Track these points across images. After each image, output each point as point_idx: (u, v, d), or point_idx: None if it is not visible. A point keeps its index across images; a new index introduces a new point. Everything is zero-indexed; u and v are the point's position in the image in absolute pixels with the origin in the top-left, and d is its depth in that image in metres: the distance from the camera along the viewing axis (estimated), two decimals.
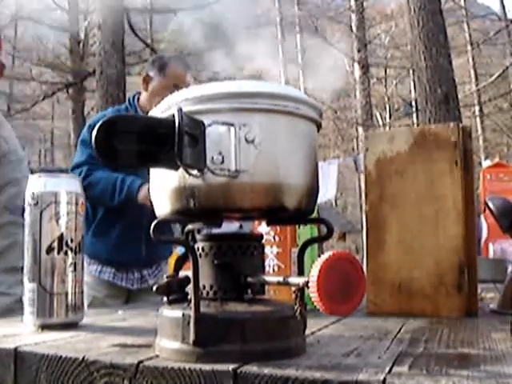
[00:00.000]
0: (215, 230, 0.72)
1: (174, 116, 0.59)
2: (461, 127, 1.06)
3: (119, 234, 1.94)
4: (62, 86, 11.58)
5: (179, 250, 2.40)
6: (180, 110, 0.59)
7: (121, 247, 1.95)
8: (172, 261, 2.12)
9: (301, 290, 0.61)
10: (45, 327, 0.89)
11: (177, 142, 0.58)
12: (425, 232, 1.04)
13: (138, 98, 2.07)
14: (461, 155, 1.04)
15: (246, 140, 0.63)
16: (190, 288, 0.65)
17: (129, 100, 2.10)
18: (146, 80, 2.02)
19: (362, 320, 0.99)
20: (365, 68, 14.43)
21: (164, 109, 0.68)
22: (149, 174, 0.73)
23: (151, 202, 0.73)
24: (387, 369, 0.58)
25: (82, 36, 12.10)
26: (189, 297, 0.67)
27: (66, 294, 0.92)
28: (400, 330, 0.85)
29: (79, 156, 1.93)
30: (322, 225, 0.76)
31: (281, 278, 0.64)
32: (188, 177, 0.63)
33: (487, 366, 0.60)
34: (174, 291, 0.69)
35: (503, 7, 15.43)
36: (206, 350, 0.61)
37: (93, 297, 1.96)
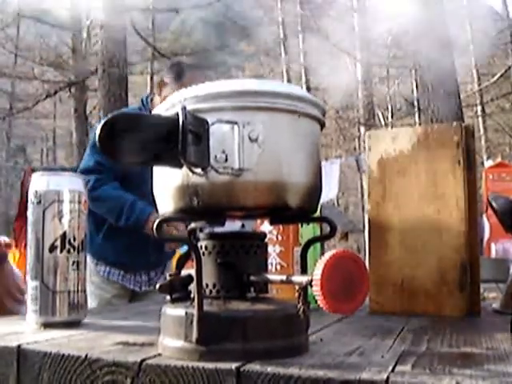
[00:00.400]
0: (218, 229, 0.72)
1: (177, 114, 0.59)
2: (463, 127, 1.06)
3: (129, 238, 1.94)
4: (64, 84, 11.56)
5: (181, 249, 2.39)
6: (184, 108, 0.59)
7: (130, 251, 1.95)
8: (174, 260, 2.12)
9: (304, 289, 0.61)
10: (47, 325, 0.89)
11: (180, 140, 0.58)
12: (427, 231, 1.04)
13: (152, 100, 2.06)
14: (463, 155, 1.04)
15: (250, 138, 0.63)
16: (192, 286, 0.65)
17: (142, 101, 2.08)
18: (161, 85, 2.00)
19: (365, 319, 0.99)
20: (367, 67, 14.40)
21: (168, 107, 0.68)
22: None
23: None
24: (390, 368, 0.58)
25: (85, 35, 12.10)
26: (192, 295, 0.67)
27: (69, 293, 0.92)
28: (403, 329, 0.85)
29: (87, 160, 1.90)
30: (324, 224, 0.76)
31: (284, 277, 0.64)
32: (191, 175, 0.63)
33: (490, 365, 0.60)
34: (177, 290, 0.69)
35: (506, 7, 15.41)
36: (209, 348, 0.61)
37: (100, 296, 1.96)
